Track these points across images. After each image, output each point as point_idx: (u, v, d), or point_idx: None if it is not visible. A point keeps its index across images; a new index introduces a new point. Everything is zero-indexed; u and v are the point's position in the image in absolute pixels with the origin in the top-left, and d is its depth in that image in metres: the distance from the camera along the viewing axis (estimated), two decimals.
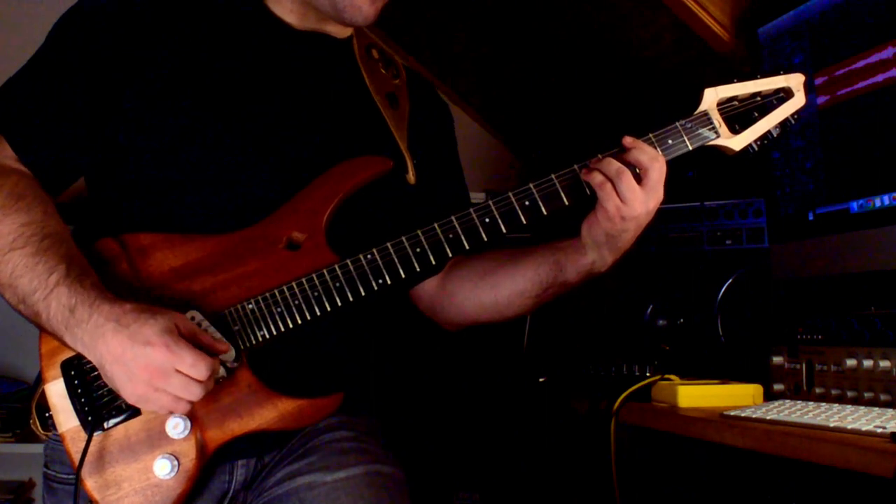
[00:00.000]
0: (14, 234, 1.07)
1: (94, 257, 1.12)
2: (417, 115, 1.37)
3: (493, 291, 1.32)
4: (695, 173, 2.01)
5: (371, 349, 1.34)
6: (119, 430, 1.09)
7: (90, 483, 1.08)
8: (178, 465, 1.09)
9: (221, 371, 1.08)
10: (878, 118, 1.42)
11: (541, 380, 1.99)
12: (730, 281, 1.72)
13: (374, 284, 1.14)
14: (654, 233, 1.92)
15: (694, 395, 1.45)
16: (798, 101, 1.22)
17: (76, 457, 1.08)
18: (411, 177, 1.31)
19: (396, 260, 1.14)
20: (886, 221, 1.40)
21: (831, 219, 1.52)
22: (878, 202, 1.43)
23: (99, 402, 1.08)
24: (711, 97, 1.20)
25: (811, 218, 1.56)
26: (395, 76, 1.38)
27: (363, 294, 1.14)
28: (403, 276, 1.14)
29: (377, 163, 1.21)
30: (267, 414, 1.11)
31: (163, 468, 1.08)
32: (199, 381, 1.02)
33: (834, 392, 1.39)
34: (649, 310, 1.84)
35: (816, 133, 1.54)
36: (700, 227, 1.88)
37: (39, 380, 1.13)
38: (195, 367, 1.01)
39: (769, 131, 1.21)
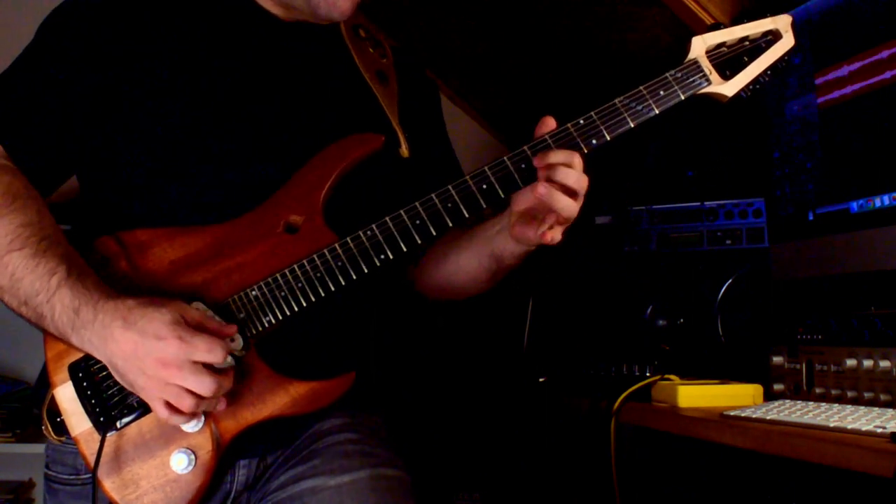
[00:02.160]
0: (11, 235, 1.07)
1: (92, 257, 1.12)
2: (406, 92, 1.37)
3: (451, 274, 1.34)
4: (695, 173, 2.01)
5: (376, 330, 1.34)
6: (132, 429, 1.09)
7: (108, 484, 1.08)
8: (196, 458, 1.09)
9: (230, 360, 1.08)
10: (878, 118, 1.41)
11: (541, 380, 1.99)
12: (730, 281, 1.72)
13: (375, 260, 1.13)
14: (654, 233, 1.92)
15: (694, 395, 1.45)
16: (787, 42, 1.20)
17: (91, 459, 1.07)
18: (404, 150, 1.31)
19: (396, 234, 1.13)
20: (886, 221, 1.40)
21: (831, 219, 1.52)
22: (878, 202, 1.43)
23: (110, 401, 1.08)
24: (699, 45, 1.19)
25: (811, 218, 1.56)
26: (383, 55, 1.38)
27: (366, 271, 1.13)
28: (405, 249, 1.13)
29: (369, 140, 1.20)
30: (279, 400, 1.11)
31: (180, 463, 1.08)
32: (213, 373, 1.02)
33: (834, 392, 1.39)
34: (649, 310, 1.84)
35: (816, 133, 1.54)
36: (700, 227, 1.88)
37: (46, 384, 1.13)
38: (211, 351, 1.01)
39: (760, 76, 1.20)
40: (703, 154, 2.03)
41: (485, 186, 1.13)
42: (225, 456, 1.11)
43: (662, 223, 1.91)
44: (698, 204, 1.88)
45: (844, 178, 1.49)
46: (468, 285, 1.34)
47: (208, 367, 1.02)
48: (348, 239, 1.13)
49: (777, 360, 1.51)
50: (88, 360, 1.09)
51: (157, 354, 1.01)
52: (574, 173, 1.11)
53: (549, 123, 1.15)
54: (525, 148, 1.14)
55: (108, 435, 1.08)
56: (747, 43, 1.20)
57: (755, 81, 1.20)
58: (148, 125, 1.17)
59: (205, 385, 1.01)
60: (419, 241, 1.14)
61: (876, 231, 1.41)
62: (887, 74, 1.39)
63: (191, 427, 1.08)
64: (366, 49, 1.35)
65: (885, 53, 1.40)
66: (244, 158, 1.19)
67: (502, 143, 3.01)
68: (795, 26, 1.22)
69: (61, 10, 1.21)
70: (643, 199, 1.95)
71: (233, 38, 1.24)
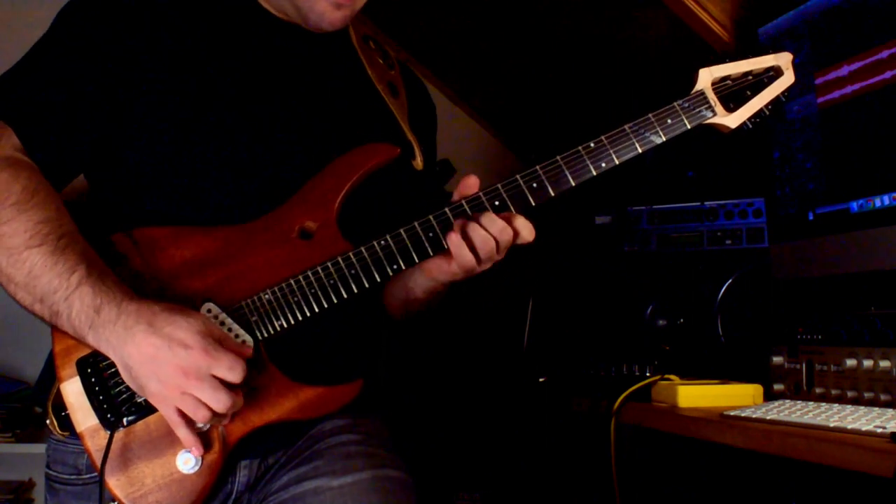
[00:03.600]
0: (30, 231, 1.06)
1: (105, 253, 1.11)
2: (414, 104, 1.38)
3: (388, 296, 1.34)
4: (695, 173, 2.01)
5: (385, 337, 1.35)
6: (139, 427, 1.09)
7: (112, 481, 1.08)
8: (202, 458, 1.09)
9: None
10: (878, 118, 1.42)
11: (541, 380, 1.99)
12: (730, 281, 1.72)
13: (388, 270, 1.13)
14: (654, 233, 1.92)
15: (694, 395, 1.45)
16: (787, 79, 1.25)
17: (97, 455, 1.07)
18: (419, 162, 1.32)
19: (410, 245, 1.13)
20: (886, 221, 1.40)
21: (831, 219, 1.52)
22: (878, 202, 1.43)
23: (118, 399, 1.08)
24: (706, 77, 1.24)
25: (811, 218, 1.56)
26: (391, 67, 1.39)
27: (378, 280, 1.13)
28: (417, 260, 1.14)
29: (385, 150, 1.20)
30: (287, 404, 1.11)
31: (186, 462, 1.08)
32: (229, 391, 1.02)
33: (834, 392, 1.39)
34: (649, 310, 1.84)
35: (816, 133, 1.54)
36: (700, 227, 1.88)
37: (50, 378, 1.13)
38: (233, 370, 1.01)
39: (762, 110, 1.25)
40: (703, 154, 2.03)
41: (497, 203, 1.14)
42: (230, 457, 1.11)
43: (662, 223, 1.91)
44: (698, 204, 1.88)
45: (844, 178, 1.50)
46: (401, 308, 1.34)
47: (224, 384, 1.03)
48: (362, 248, 1.13)
49: (777, 360, 1.51)
50: (97, 356, 1.08)
51: (179, 362, 1.00)
52: (482, 234, 1.11)
53: (472, 184, 1.15)
54: (538, 168, 1.15)
55: (115, 432, 1.08)
56: (750, 77, 1.25)
57: (757, 115, 1.25)
58: (156, 125, 1.17)
59: (221, 401, 1.02)
60: (431, 254, 1.14)
61: (876, 231, 1.41)
62: (887, 74, 1.39)
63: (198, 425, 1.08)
64: (376, 60, 1.36)
65: (885, 53, 1.40)
66: (255, 161, 1.19)
67: (502, 143, 3.02)
68: (795, 63, 1.27)
69: (76, 5, 1.20)
70: (643, 199, 1.95)
71: (242, 38, 1.24)
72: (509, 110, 2.91)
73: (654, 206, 1.92)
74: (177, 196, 1.17)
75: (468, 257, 1.12)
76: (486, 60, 2.69)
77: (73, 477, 1.18)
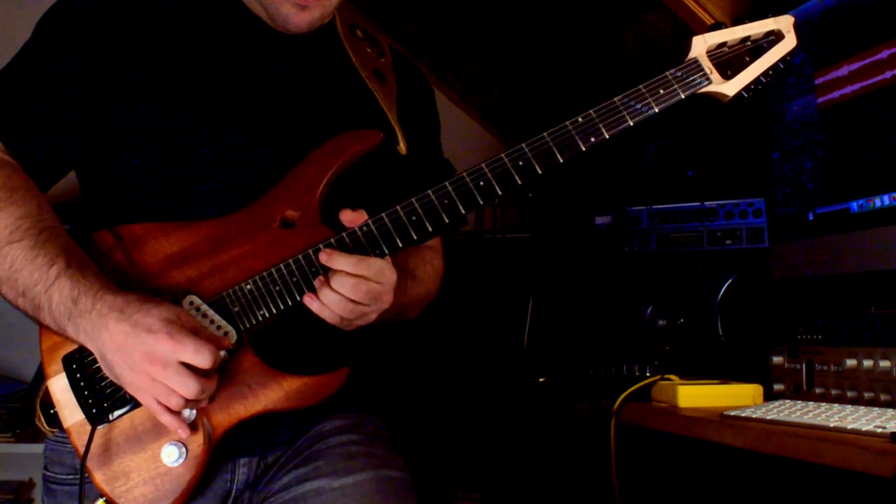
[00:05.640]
0: (10, 227, 1.07)
1: (90, 250, 1.12)
2: (404, 91, 1.37)
3: None
4: (695, 173, 2.01)
5: (372, 327, 1.34)
6: (125, 421, 1.09)
7: (98, 476, 1.08)
8: (187, 451, 1.08)
9: (223, 353, 1.08)
10: (878, 118, 1.42)
11: (541, 380, 1.99)
12: (730, 281, 1.72)
13: (371, 256, 1.12)
14: (654, 233, 1.92)
15: (694, 395, 1.45)
16: (789, 42, 1.20)
17: (83, 450, 1.07)
18: (402, 147, 1.31)
19: (392, 229, 1.12)
20: (886, 221, 1.40)
21: (831, 219, 1.52)
22: (878, 202, 1.43)
23: (102, 394, 1.08)
24: (700, 45, 1.18)
25: (811, 218, 1.56)
26: (381, 55, 1.38)
27: None
28: (400, 245, 1.12)
29: (367, 136, 1.20)
30: (272, 394, 1.11)
31: (171, 455, 1.08)
32: (198, 377, 1.02)
33: (834, 392, 1.39)
34: (649, 310, 1.84)
35: (816, 133, 1.54)
36: (700, 227, 1.88)
37: (41, 376, 1.13)
38: (198, 353, 1.01)
39: (762, 76, 1.20)
40: (703, 154, 2.03)
41: (482, 183, 1.13)
42: (217, 450, 1.11)
43: (662, 223, 1.91)
44: (698, 204, 1.88)
45: (844, 178, 1.49)
46: None
47: (194, 370, 1.02)
48: (344, 234, 1.13)
49: (777, 360, 1.51)
50: (82, 351, 1.09)
51: (144, 348, 1.01)
52: (349, 282, 1.09)
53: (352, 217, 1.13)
54: (523, 145, 1.14)
55: (100, 427, 1.08)
56: (749, 43, 1.20)
57: (756, 81, 1.19)
58: (142, 122, 1.17)
59: (188, 388, 1.01)
60: (414, 237, 1.13)
61: (876, 231, 1.41)
62: (887, 74, 1.39)
63: (184, 415, 1.08)
64: (363, 49, 1.36)
65: (885, 53, 1.40)
66: (240, 154, 1.19)
67: (503, 144, 3.02)
68: (797, 27, 1.22)
69: (60, 7, 1.21)
70: (643, 199, 1.95)
71: (228, 36, 1.24)
72: (509, 109, 2.91)
73: (654, 206, 1.92)
74: (164, 192, 1.17)
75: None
76: (486, 60, 2.69)
77: (70, 477, 1.17)
